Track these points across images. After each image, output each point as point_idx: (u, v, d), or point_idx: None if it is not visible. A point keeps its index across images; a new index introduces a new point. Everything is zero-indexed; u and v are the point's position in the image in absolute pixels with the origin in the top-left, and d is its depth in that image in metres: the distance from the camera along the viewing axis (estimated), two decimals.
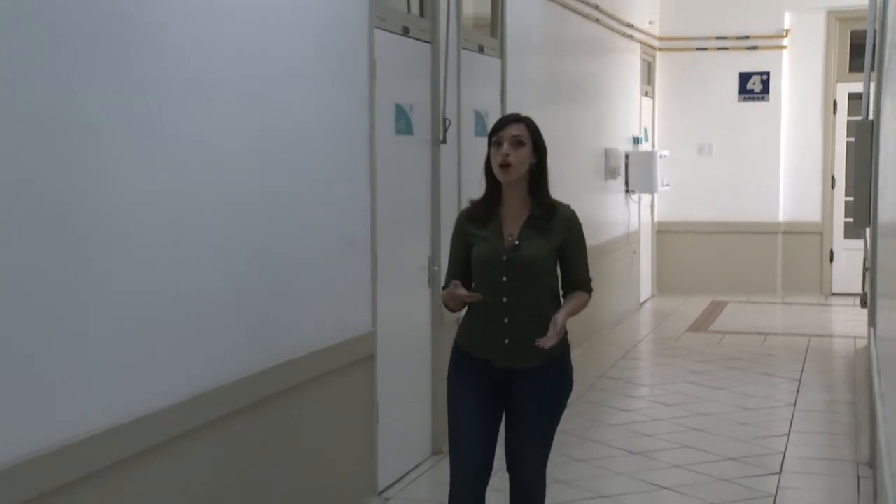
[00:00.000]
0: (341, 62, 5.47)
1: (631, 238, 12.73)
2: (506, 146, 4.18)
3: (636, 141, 12.86)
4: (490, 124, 7.84)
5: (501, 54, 8.00)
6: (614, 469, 6.65)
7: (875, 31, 6.80)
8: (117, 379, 3.75)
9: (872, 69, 6.95)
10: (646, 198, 13.47)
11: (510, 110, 8.12)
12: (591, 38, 10.71)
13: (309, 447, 5.17)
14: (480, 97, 7.50)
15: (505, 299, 4.21)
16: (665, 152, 13.01)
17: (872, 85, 6.91)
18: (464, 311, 4.41)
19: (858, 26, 13.21)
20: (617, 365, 9.90)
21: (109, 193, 3.72)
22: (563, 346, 4.32)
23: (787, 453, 6.98)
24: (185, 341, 4.17)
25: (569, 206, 4.40)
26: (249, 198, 4.63)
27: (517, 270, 4.21)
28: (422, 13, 6.62)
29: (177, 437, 4.06)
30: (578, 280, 4.39)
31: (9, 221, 3.25)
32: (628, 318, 12.50)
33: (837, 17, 13.86)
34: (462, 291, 4.17)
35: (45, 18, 3.39)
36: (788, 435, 7.43)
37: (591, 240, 10.96)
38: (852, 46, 13.87)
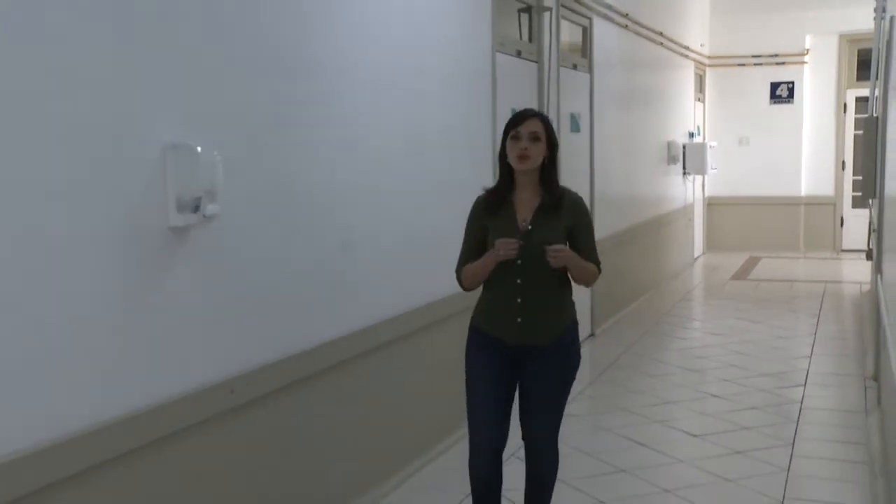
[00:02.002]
0: (472, 78, 5.49)
1: (687, 209, 12.58)
2: (524, 140, 3.47)
3: (691, 135, 12.69)
4: (582, 125, 7.92)
5: (590, 70, 7.98)
6: (675, 382, 6.66)
7: (879, 49, 6.63)
8: (275, 329, 3.59)
9: (877, 78, 6.78)
10: (698, 178, 13.29)
11: (597, 114, 8.11)
12: (656, 57, 10.58)
13: (420, 382, 4.87)
14: (574, 103, 7.49)
15: (519, 280, 3.47)
16: (713, 143, 12.87)
17: (877, 90, 6.74)
18: (479, 292, 3.67)
19: (864, 45, 12.83)
20: (677, 305, 9.81)
21: (309, 178, 3.78)
22: (572, 325, 3.61)
23: (809, 370, 6.90)
24: (351, 293, 4.09)
25: (576, 193, 3.62)
26: (402, 182, 4.56)
27: (530, 253, 3.44)
28: (530, 40, 6.65)
29: (315, 374, 3.81)
30: (588, 259, 3.55)
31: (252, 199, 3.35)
32: (685, 270, 12.37)
33: (847, 39, 13.53)
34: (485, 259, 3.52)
35: (288, 66, 3.62)
36: (811, 356, 7.34)
37: (656, 211, 10.98)
38: (859, 62, 13.52)
